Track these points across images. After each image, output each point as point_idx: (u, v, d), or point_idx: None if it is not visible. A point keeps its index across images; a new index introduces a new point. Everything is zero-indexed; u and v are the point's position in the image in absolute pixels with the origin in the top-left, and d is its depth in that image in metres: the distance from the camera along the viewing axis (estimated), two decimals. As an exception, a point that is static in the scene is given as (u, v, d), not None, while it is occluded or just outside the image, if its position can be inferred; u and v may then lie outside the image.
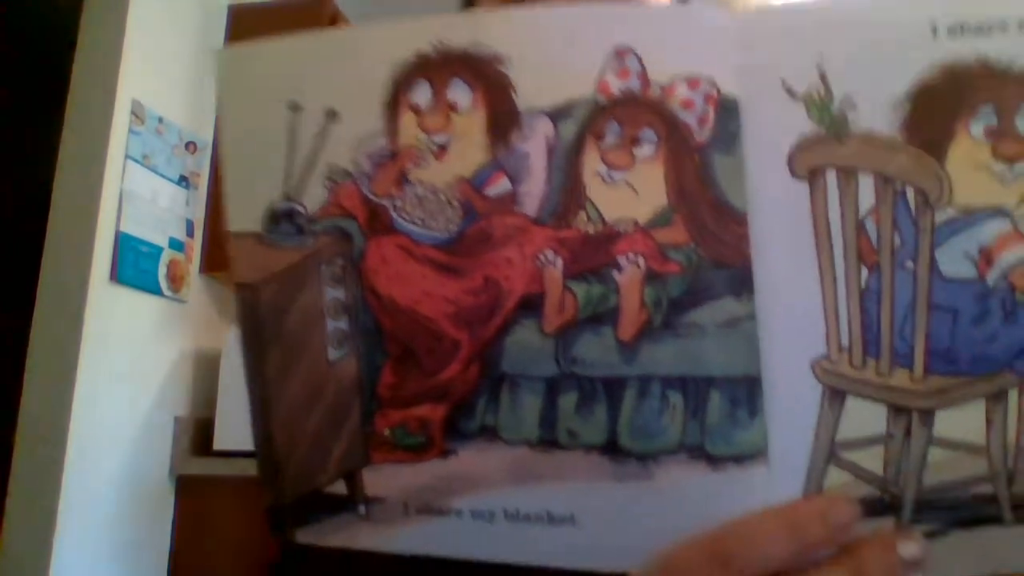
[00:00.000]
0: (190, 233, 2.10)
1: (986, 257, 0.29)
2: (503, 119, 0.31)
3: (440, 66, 0.32)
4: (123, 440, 1.85)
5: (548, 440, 0.32)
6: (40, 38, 2.00)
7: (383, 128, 0.33)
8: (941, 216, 0.29)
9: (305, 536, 0.37)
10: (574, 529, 0.32)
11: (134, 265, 1.88)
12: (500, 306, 0.32)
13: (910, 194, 0.30)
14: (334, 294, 0.37)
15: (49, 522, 1.65)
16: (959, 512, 0.30)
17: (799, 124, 0.30)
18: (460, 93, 0.32)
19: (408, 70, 0.32)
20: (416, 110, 0.33)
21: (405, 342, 0.34)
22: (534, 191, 0.31)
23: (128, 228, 1.86)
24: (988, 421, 0.30)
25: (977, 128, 0.29)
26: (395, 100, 0.33)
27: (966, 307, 0.30)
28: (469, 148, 0.32)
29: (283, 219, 0.37)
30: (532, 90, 0.31)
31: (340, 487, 0.36)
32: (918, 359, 0.29)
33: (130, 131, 1.88)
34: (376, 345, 0.35)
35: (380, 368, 0.35)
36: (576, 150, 0.31)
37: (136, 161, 1.90)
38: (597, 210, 0.30)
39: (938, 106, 0.29)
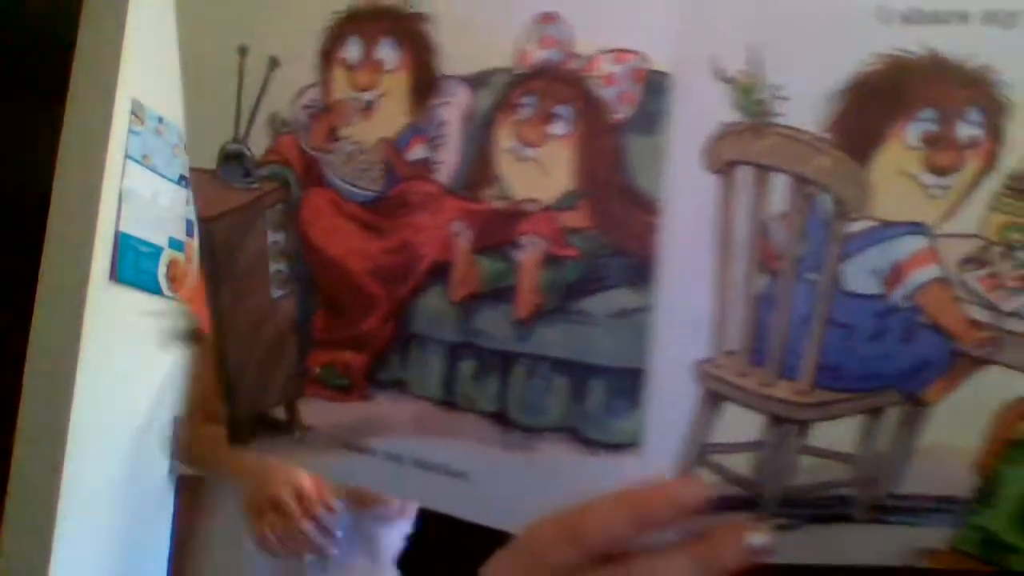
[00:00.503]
0: (190, 233, 2.11)
1: (896, 274, 0.28)
2: (424, 83, 0.31)
3: (370, 21, 0.32)
4: (123, 440, 1.87)
5: (448, 400, 0.33)
6: (40, 38, 1.99)
7: (318, 80, 0.34)
8: (855, 227, 0.28)
9: (254, 449, 0.40)
10: (468, 485, 0.34)
11: (134, 265, 1.90)
12: (414, 269, 0.33)
13: (826, 200, 0.29)
14: (275, 238, 0.38)
15: (49, 522, 1.67)
16: (818, 510, 0.30)
17: (722, 110, 0.29)
18: (388, 51, 0.32)
19: (340, 23, 0.32)
20: (347, 65, 0.33)
21: (332, 291, 0.36)
22: (449, 160, 0.31)
23: (128, 228, 1.88)
24: (864, 433, 0.29)
25: (914, 132, 0.28)
26: (328, 53, 0.33)
27: (864, 324, 0.29)
28: (393, 109, 0.32)
29: (232, 160, 0.38)
30: (455, 54, 0.30)
31: (283, 413, 0.39)
32: (807, 373, 0.29)
33: (130, 131, 1.88)
34: (310, 290, 0.37)
35: (313, 312, 0.37)
36: (490, 122, 0.30)
37: (136, 161, 1.91)
38: (506, 186, 0.30)
39: (875, 104, 0.28)
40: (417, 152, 0.32)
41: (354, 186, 0.33)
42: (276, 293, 0.39)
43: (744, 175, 0.29)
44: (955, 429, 0.29)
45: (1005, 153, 0.27)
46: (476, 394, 0.32)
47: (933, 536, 0.30)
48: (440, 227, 0.31)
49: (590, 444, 0.30)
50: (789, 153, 0.28)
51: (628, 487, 0.29)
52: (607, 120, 0.29)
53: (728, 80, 0.29)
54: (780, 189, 0.29)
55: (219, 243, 0.40)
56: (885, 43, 0.27)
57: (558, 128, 0.30)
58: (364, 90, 0.32)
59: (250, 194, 0.38)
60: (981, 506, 0.29)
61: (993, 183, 0.27)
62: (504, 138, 0.30)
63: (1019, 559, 0.29)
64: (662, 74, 0.29)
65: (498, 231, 0.30)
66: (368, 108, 0.32)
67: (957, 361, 0.28)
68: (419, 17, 0.31)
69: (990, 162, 0.27)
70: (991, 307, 0.28)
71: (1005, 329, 0.28)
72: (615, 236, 0.30)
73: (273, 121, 0.36)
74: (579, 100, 0.29)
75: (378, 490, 0.36)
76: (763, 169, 0.29)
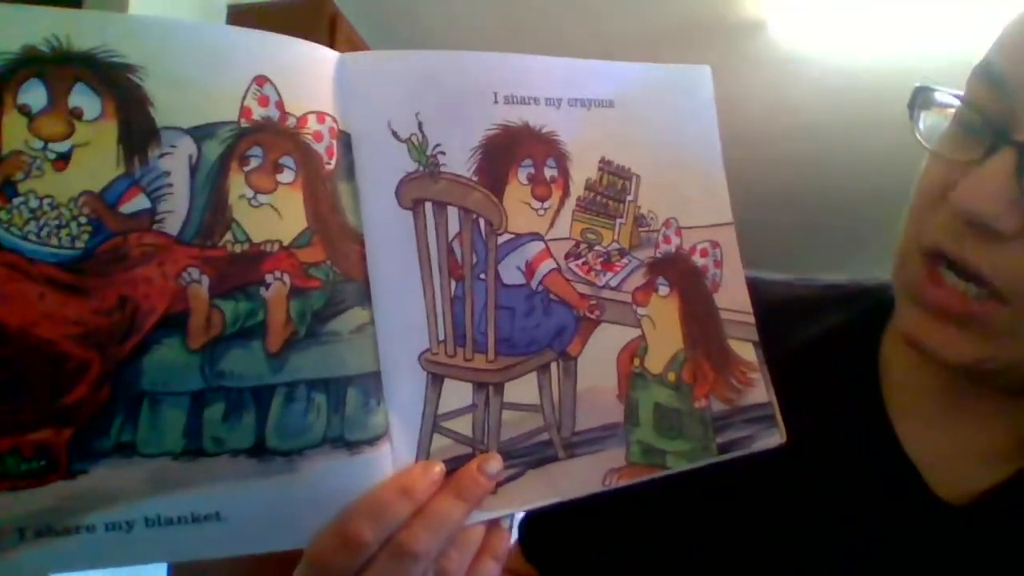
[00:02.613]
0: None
1: (530, 269, 0.41)
2: (139, 133, 0.31)
3: (57, 66, 0.30)
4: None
5: (192, 449, 0.33)
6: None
7: None
8: (501, 239, 0.40)
9: None
10: (219, 524, 0.34)
11: None
12: (138, 325, 0.32)
13: (482, 223, 0.39)
14: None
15: None
16: (529, 457, 0.40)
17: (404, 163, 0.37)
18: (86, 99, 0.30)
19: (13, 65, 0.30)
20: (27, 112, 0.30)
21: (14, 367, 0.31)
22: (177, 210, 0.32)
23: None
24: (539, 387, 0.41)
25: (522, 174, 0.40)
26: None
27: (519, 305, 0.41)
28: (97, 160, 0.31)
29: None
30: (173, 107, 0.32)
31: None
32: (490, 346, 0.39)
33: None
34: None
35: None
36: (221, 172, 0.32)
37: None
38: (244, 230, 0.33)
39: (498, 156, 0.39)
40: (135, 204, 0.31)
41: (46, 244, 0.31)
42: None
43: (429, 209, 0.38)
44: (598, 373, 0.42)
45: (572, 184, 0.42)
46: (228, 435, 0.33)
47: (613, 457, 0.42)
48: (170, 277, 0.32)
49: (352, 446, 0.35)
50: (455, 192, 0.39)
51: (378, 487, 0.35)
52: (322, 170, 0.35)
53: (404, 141, 0.37)
54: (454, 217, 0.39)
55: None
56: (499, 117, 0.39)
57: (286, 176, 0.34)
58: (54, 140, 0.30)
59: None
60: (633, 426, 0.43)
61: (571, 203, 0.42)
62: (236, 186, 0.33)
63: (672, 458, 0.42)
64: (347, 134, 0.36)
65: (240, 273, 0.33)
66: (62, 160, 0.30)
67: (581, 323, 0.42)
68: (127, 68, 0.31)
69: (566, 190, 0.42)
70: (591, 284, 0.43)
71: (603, 298, 0.43)
72: (343, 265, 0.35)
73: None
74: (298, 152, 0.34)
75: (97, 567, 0.32)
76: (441, 204, 0.38)
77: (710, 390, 0.45)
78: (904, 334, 0.41)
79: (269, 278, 0.33)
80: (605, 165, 0.43)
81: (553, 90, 0.42)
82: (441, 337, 0.38)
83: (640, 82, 0.45)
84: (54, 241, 0.31)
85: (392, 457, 0.36)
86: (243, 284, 0.33)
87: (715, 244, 0.46)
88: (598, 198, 0.43)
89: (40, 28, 0.30)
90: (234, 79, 0.33)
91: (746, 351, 0.46)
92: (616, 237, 0.44)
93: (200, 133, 0.32)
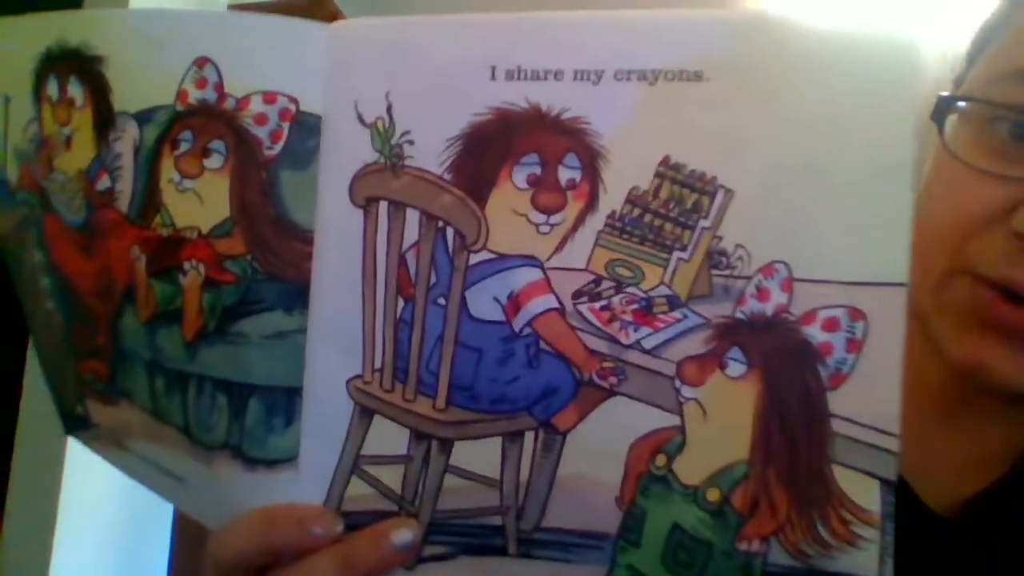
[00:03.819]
0: None
1: (515, 303, 0.30)
2: (103, 119, 0.33)
3: (62, 62, 0.34)
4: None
5: (156, 412, 0.35)
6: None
7: (36, 116, 0.36)
8: (476, 258, 0.30)
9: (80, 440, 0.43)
10: (184, 487, 0.36)
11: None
12: (113, 290, 0.35)
13: (451, 234, 0.31)
14: (39, 256, 0.40)
15: (49, 522, 1.69)
16: (469, 539, 0.32)
17: (365, 152, 0.31)
18: (76, 90, 0.34)
19: (42, 64, 0.35)
20: (51, 102, 0.35)
21: (76, 306, 0.38)
22: (125, 190, 0.33)
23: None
24: (503, 458, 0.31)
25: (520, 175, 0.30)
26: (37, 92, 0.35)
27: (491, 348, 0.31)
28: (84, 143, 0.34)
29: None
30: (126, 93, 0.33)
31: (83, 411, 0.42)
32: (441, 390, 0.31)
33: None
34: (66, 304, 0.39)
35: (72, 323, 0.39)
36: (155, 155, 0.32)
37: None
38: (170, 215, 0.32)
39: (487, 149, 0.30)
40: (104, 183, 0.34)
41: (68, 212, 0.35)
42: (48, 305, 0.41)
43: (383, 210, 0.31)
44: (594, 461, 0.30)
45: (603, 194, 0.29)
46: (168, 409, 0.34)
47: (585, 575, 0.31)
48: (124, 252, 0.33)
49: (249, 461, 0.32)
50: (418, 191, 0.31)
51: (264, 510, 0.31)
52: (258, 156, 0.31)
53: (368, 125, 0.31)
54: (413, 223, 0.31)
55: (9, 260, 0.43)
56: (494, 97, 0.29)
57: (213, 162, 0.32)
58: (64, 125, 0.34)
59: (14, 217, 0.40)
60: (629, 545, 0.30)
61: (596, 222, 0.29)
62: (167, 170, 0.32)
63: None
64: (312, 116, 0.31)
65: (165, 256, 0.33)
66: (68, 142, 0.34)
67: (583, 390, 0.30)
68: (96, 59, 0.33)
69: (591, 202, 0.29)
70: (611, 339, 0.30)
71: (626, 361, 0.30)
72: (269, 262, 0.32)
73: (17, 152, 0.38)
74: (230, 137, 0.31)
75: (147, 487, 0.38)
76: (398, 205, 0.31)
77: (775, 531, 0.27)
78: (963, 362, 0.37)
79: (187, 265, 0.32)
80: (669, 169, 0.29)
81: (589, 57, 0.29)
82: (378, 365, 0.32)
83: (763, 42, 0.28)
84: (73, 208, 0.36)
85: (297, 488, 0.32)
86: (168, 268, 0.33)
87: (857, 315, 0.27)
88: (647, 217, 0.29)
89: (50, 32, 0.34)
90: (176, 62, 0.32)
91: (864, 491, 0.27)
92: (668, 278, 0.29)
93: (143, 117, 0.33)
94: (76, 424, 0.42)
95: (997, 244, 0.35)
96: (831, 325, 0.27)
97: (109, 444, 0.40)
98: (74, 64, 0.34)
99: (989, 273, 0.36)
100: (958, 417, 0.43)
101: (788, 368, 0.28)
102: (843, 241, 0.27)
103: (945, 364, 0.39)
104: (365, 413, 0.32)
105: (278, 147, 0.32)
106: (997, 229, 0.36)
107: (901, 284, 0.26)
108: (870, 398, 0.27)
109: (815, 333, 0.28)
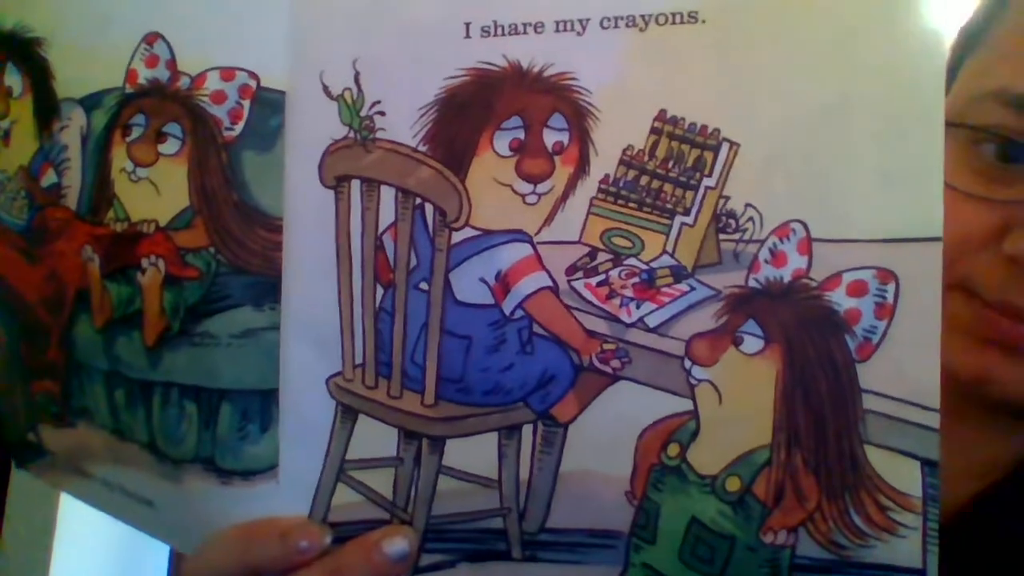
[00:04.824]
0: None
1: (503, 283, 0.28)
2: (45, 107, 0.30)
3: None
4: (123, 439, 1.91)
5: (118, 430, 0.32)
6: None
7: None
8: (459, 236, 0.28)
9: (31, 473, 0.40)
10: (153, 511, 0.33)
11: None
12: (64, 297, 0.32)
13: (430, 211, 0.28)
14: None
15: (49, 522, 1.69)
16: (469, 545, 0.29)
17: (333, 127, 0.28)
18: (13, 77, 0.31)
19: None
20: None
21: (22, 320, 0.35)
22: (74, 185, 0.30)
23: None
24: (501, 455, 0.28)
25: (501, 141, 0.27)
26: None
27: (481, 334, 0.28)
28: (24, 136, 0.31)
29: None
30: (69, 77, 0.30)
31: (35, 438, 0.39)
32: (428, 384, 0.28)
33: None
34: (11, 318, 0.36)
35: (18, 339, 0.36)
36: (105, 144, 0.30)
37: None
38: (124, 208, 0.30)
39: (465, 115, 0.27)
40: (49, 178, 0.31)
41: (9, 215, 0.33)
42: (-3, 322, 0.38)
43: (356, 189, 0.28)
44: (600, 454, 0.27)
45: (594, 156, 0.26)
46: (131, 424, 0.31)
47: None
48: (75, 254, 0.31)
49: (223, 474, 0.30)
50: (392, 167, 0.28)
51: (243, 525, 0.28)
52: (217, 137, 0.29)
53: (335, 98, 0.28)
54: (389, 201, 0.28)
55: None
56: (470, 57, 0.27)
57: (169, 147, 0.29)
58: (1, 118, 0.32)
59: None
60: (643, 542, 0.28)
61: (588, 188, 0.27)
62: (118, 159, 0.30)
63: None
64: (275, 92, 0.28)
65: (120, 254, 0.30)
66: (6, 137, 0.32)
67: (583, 376, 0.27)
68: (35, 42, 0.30)
69: (581, 167, 0.27)
70: (611, 318, 0.27)
71: (629, 342, 0.27)
72: (234, 254, 0.29)
73: None
74: (186, 118, 0.29)
75: (114, 517, 0.35)
76: (371, 183, 0.28)
77: (803, 521, 0.25)
78: (967, 377, 0.35)
79: (145, 263, 0.29)
80: (666, 124, 0.26)
81: (572, 5, 0.26)
82: (358, 360, 0.29)
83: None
84: (14, 210, 0.33)
85: (278, 499, 0.29)
86: (123, 266, 0.30)
87: (886, 276, 0.24)
88: (644, 179, 0.26)
89: None
90: (123, 40, 0.29)
91: (902, 473, 0.24)
92: (671, 246, 0.26)
93: (90, 103, 0.30)
94: (28, 455, 0.38)
95: (991, 268, 0.35)
96: (857, 289, 0.24)
97: (67, 472, 0.36)
98: (10, 48, 0.31)
99: (986, 297, 0.35)
100: (955, 427, 0.41)
101: (811, 340, 0.25)
102: (866, 193, 0.24)
103: (945, 376, 0.37)
104: (348, 413, 0.29)
105: (239, 127, 0.29)
106: (988, 252, 0.35)
107: (936, 239, 0.24)
108: (905, 369, 0.24)
109: (840, 299, 0.25)
